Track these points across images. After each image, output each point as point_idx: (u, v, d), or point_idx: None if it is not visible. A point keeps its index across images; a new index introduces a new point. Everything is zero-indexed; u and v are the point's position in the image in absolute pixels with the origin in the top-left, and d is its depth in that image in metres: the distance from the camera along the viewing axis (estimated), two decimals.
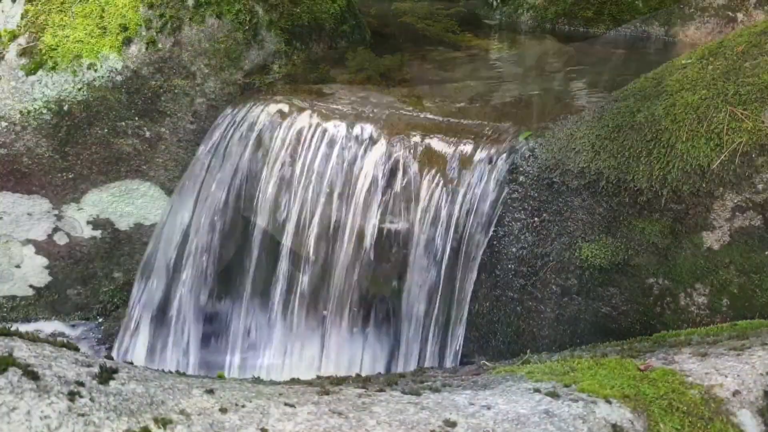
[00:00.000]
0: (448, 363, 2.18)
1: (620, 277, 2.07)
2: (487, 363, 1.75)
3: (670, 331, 1.92)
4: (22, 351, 1.13)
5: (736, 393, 1.39)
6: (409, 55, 3.22)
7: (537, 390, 1.36)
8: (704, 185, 1.94)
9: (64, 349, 1.20)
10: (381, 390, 1.35)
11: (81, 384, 1.09)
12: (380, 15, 3.90)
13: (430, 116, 2.37)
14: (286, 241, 2.35)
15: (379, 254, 2.27)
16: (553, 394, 1.34)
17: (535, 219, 2.14)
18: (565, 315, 2.17)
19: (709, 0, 3.38)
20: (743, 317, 1.93)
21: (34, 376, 1.07)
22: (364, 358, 2.30)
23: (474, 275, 2.20)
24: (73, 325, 2.75)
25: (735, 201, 1.94)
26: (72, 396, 1.06)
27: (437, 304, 2.21)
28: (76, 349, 1.23)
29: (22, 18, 2.67)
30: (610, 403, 1.33)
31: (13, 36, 2.65)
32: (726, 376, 1.43)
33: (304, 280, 2.32)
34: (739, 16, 3.31)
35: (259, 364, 2.37)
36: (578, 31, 3.67)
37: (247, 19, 2.69)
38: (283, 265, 2.35)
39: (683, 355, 1.54)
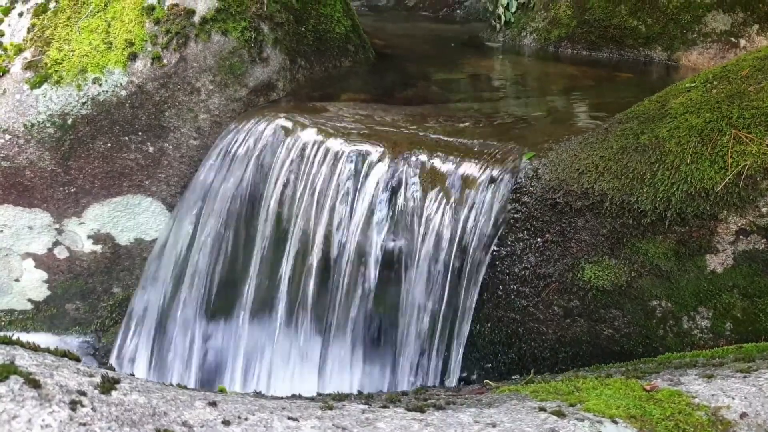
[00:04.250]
0: (450, 383, 2.16)
1: (623, 299, 2.06)
2: (490, 383, 1.73)
3: (673, 353, 1.91)
4: (24, 359, 1.11)
5: (743, 415, 1.38)
6: (413, 75, 3.23)
7: (542, 409, 1.35)
8: (708, 208, 1.94)
9: (66, 358, 1.18)
10: (384, 406, 1.33)
11: (83, 393, 1.08)
12: (385, 35, 3.93)
13: (433, 135, 2.38)
14: (289, 257, 2.34)
15: (381, 272, 2.26)
16: (559, 413, 1.32)
17: (538, 239, 2.14)
18: (567, 337, 2.15)
19: (712, 26, 3.41)
20: (747, 342, 1.92)
21: (35, 384, 1.06)
22: (365, 376, 2.28)
23: (476, 295, 2.19)
24: (70, 340, 2.72)
25: (739, 224, 1.93)
26: (73, 405, 1.05)
27: (439, 324, 2.19)
28: (78, 360, 1.21)
29: (28, 32, 2.69)
30: (616, 423, 1.32)
31: (19, 50, 2.65)
32: (733, 398, 1.41)
33: (306, 297, 2.30)
34: (742, 42, 3.34)
35: (260, 380, 2.34)
36: (581, 54, 3.69)
37: (253, 36, 2.70)
38: (286, 282, 2.33)
39: (689, 376, 1.52)
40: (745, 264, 1.94)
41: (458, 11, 5.29)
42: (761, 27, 3.31)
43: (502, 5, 4.10)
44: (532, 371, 1.96)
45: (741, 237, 1.94)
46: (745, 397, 1.41)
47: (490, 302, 2.21)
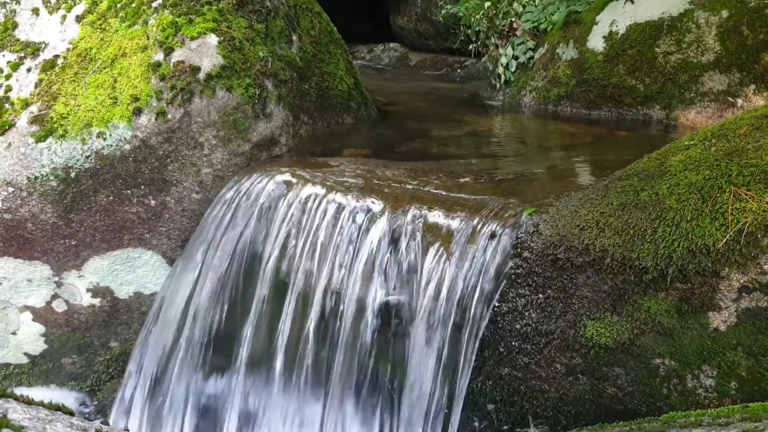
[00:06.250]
0: None
1: (626, 356, 2.04)
2: None
3: (678, 412, 1.88)
4: (17, 413, 1.09)
5: None
6: (414, 132, 3.27)
7: None
8: (710, 265, 1.93)
9: (60, 412, 1.16)
10: None
11: None
12: (387, 93, 3.99)
13: (434, 190, 2.39)
14: (288, 312, 2.32)
15: (381, 327, 2.24)
16: None
17: (540, 295, 2.12)
18: (569, 395, 2.12)
19: (709, 85, 3.46)
20: (752, 401, 1.89)
21: None
22: None
23: (476, 352, 2.16)
24: (66, 395, 2.68)
25: (741, 281, 1.92)
26: None
27: (439, 381, 2.16)
28: (72, 414, 1.19)
29: (35, 87, 2.73)
30: None
31: (26, 104, 2.69)
32: None
33: (305, 352, 2.28)
34: (739, 101, 3.38)
35: None
36: (580, 112, 3.74)
37: (257, 93, 2.74)
38: (285, 337, 2.31)
39: None
40: (748, 322, 1.92)
41: (459, 70, 5.39)
42: (757, 87, 3.36)
43: (502, 65, 4.18)
44: (531, 425, 1.92)
45: (743, 294, 1.92)
46: None
47: (491, 359, 2.18)
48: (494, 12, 4.36)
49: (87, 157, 2.60)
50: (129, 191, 2.63)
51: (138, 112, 2.62)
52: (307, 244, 2.34)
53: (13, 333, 2.68)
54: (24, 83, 2.75)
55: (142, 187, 2.64)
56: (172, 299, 2.50)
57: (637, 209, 2.04)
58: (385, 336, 2.25)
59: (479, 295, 2.15)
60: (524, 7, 4.27)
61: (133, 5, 2.79)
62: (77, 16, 2.83)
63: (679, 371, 1.98)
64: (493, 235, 2.17)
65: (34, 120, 2.65)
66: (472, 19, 4.49)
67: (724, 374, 1.94)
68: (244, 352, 2.36)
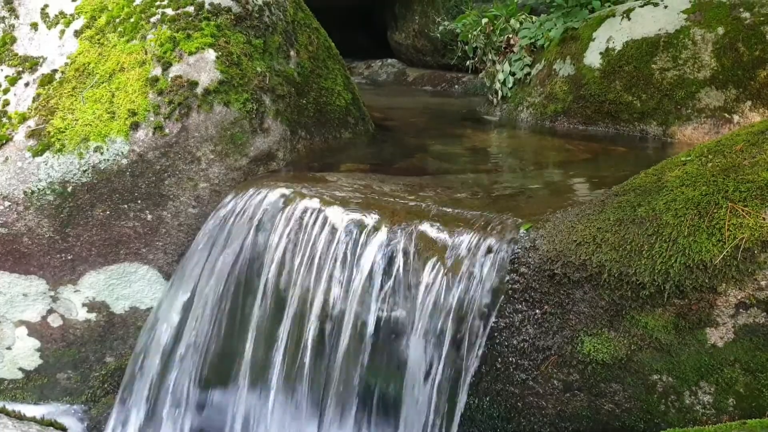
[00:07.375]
0: None
1: (623, 372, 2.03)
2: None
3: (676, 429, 1.87)
4: (8, 429, 1.08)
5: None
6: (411, 147, 3.28)
7: None
8: (707, 281, 1.93)
9: (52, 428, 1.15)
10: None
11: None
12: (384, 109, 4.01)
13: (431, 205, 2.39)
14: (286, 327, 2.31)
15: (378, 342, 2.23)
16: None
17: (537, 311, 2.12)
18: (567, 412, 2.11)
19: (705, 102, 3.47)
20: (750, 418, 1.88)
21: None
22: None
23: (474, 368, 2.16)
24: (60, 411, 2.66)
25: (738, 297, 1.92)
26: None
27: (437, 397, 2.15)
28: (64, 430, 1.18)
29: (33, 101, 2.73)
30: None
31: (23, 118, 2.69)
32: None
33: (303, 368, 2.27)
34: (735, 117, 3.40)
35: None
36: (577, 128, 3.75)
37: (255, 108, 2.75)
38: (282, 353, 2.30)
39: None
40: (746, 338, 1.92)
41: (456, 86, 5.41)
42: (753, 103, 3.37)
43: (499, 80, 4.19)
44: None
45: (741, 310, 1.92)
46: None
47: (488, 375, 2.18)
48: (491, 28, 4.38)
49: (84, 171, 2.60)
50: (126, 206, 2.63)
51: (135, 126, 2.63)
52: (305, 259, 2.34)
53: (8, 348, 2.66)
54: (22, 97, 2.75)
55: (139, 201, 2.63)
56: (169, 314, 2.49)
57: (634, 225, 2.04)
58: (382, 350, 2.24)
59: (476, 310, 2.15)
60: (521, 23, 4.30)
61: (132, 20, 2.81)
62: (75, 31, 2.84)
63: (677, 387, 1.98)
64: (490, 251, 2.17)
65: (32, 134, 2.65)
66: (470, 35, 4.51)
67: (722, 391, 1.94)
68: (242, 368, 2.35)
